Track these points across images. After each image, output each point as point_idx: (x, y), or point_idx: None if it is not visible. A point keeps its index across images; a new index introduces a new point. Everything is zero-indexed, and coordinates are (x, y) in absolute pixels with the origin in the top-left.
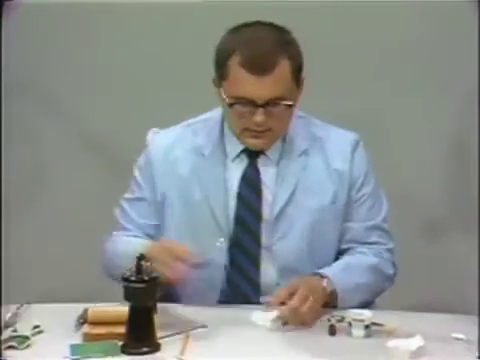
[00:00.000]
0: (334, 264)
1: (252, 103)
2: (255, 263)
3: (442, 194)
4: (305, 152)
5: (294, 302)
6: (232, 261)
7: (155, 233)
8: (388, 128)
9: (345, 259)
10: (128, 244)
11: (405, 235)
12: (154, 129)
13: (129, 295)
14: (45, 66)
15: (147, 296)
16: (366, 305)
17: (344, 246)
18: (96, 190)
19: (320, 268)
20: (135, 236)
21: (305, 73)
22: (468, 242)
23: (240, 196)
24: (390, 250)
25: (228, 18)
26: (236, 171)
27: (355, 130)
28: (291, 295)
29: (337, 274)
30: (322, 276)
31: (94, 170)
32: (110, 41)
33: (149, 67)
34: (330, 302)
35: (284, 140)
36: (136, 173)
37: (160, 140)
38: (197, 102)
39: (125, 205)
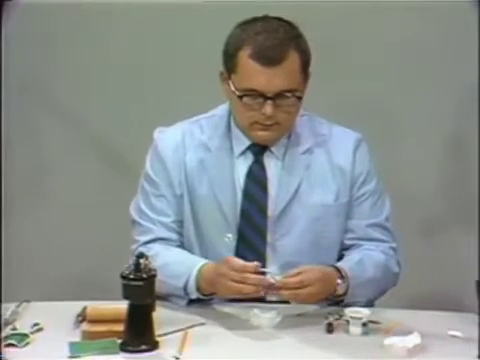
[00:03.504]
0: (347, 258)
1: (262, 95)
2: (261, 259)
3: (440, 192)
4: (309, 150)
5: (294, 281)
6: (239, 257)
7: (181, 229)
8: (386, 127)
9: (358, 254)
10: (181, 262)
11: (403, 233)
12: (160, 128)
13: (128, 293)
14: (46, 66)
15: (146, 294)
16: (368, 305)
17: (349, 242)
18: (97, 189)
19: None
20: (162, 239)
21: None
22: (466, 240)
23: (246, 192)
24: (394, 249)
25: (228, 18)
26: (242, 167)
27: (352, 128)
28: (298, 274)
29: (353, 268)
30: (338, 270)
31: (94, 169)
32: (111, 41)
33: (149, 67)
34: (339, 296)
35: (289, 137)
36: (149, 172)
37: (168, 137)
38: (197, 101)
39: (143, 206)
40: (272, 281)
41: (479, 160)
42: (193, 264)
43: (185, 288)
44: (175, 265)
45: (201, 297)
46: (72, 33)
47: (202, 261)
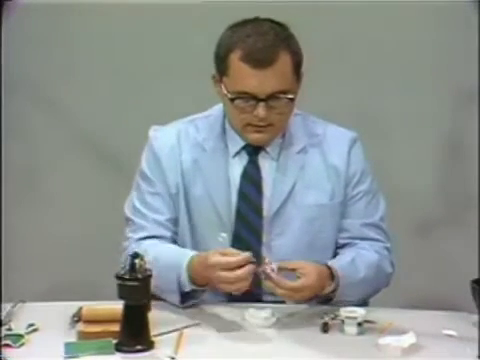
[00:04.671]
0: (340, 257)
1: (254, 98)
2: (257, 259)
3: (435, 192)
4: (304, 149)
5: (294, 285)
6: None
7: (175, 228)
8: (381, 126)
9: (351, 254)
10: (169, 257)
11: (398, 233)
12: (154, 126)
13: (123, 293)
14: (43, 66)
15: (141, 294)
16: (360, 304)
17: (343, 242)
18: (92, 190)
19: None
20: (155, 237)
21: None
22: (460, 240)
23: (241, 192)
24: (388, 249)
25: (225, 18)
26: (237, 167)
27: (349, 128)
28: (293, 270)
29: (345, 268)
30: (330, 268)
31: (89, 170)
32: (107, 42)
33: (146, 67)
34: (326, 294)
35: (283, 137)
36: (145, 170)
37: (164, 136)
38: (194, 102)
39: (137, 203)
40: (273, 267)
41: (479, 161)
42: (184, 255)
43: (178, 280)
44: (166, 258)
45: (195, 288)
46: (69, 33)
47: (191, 253)
